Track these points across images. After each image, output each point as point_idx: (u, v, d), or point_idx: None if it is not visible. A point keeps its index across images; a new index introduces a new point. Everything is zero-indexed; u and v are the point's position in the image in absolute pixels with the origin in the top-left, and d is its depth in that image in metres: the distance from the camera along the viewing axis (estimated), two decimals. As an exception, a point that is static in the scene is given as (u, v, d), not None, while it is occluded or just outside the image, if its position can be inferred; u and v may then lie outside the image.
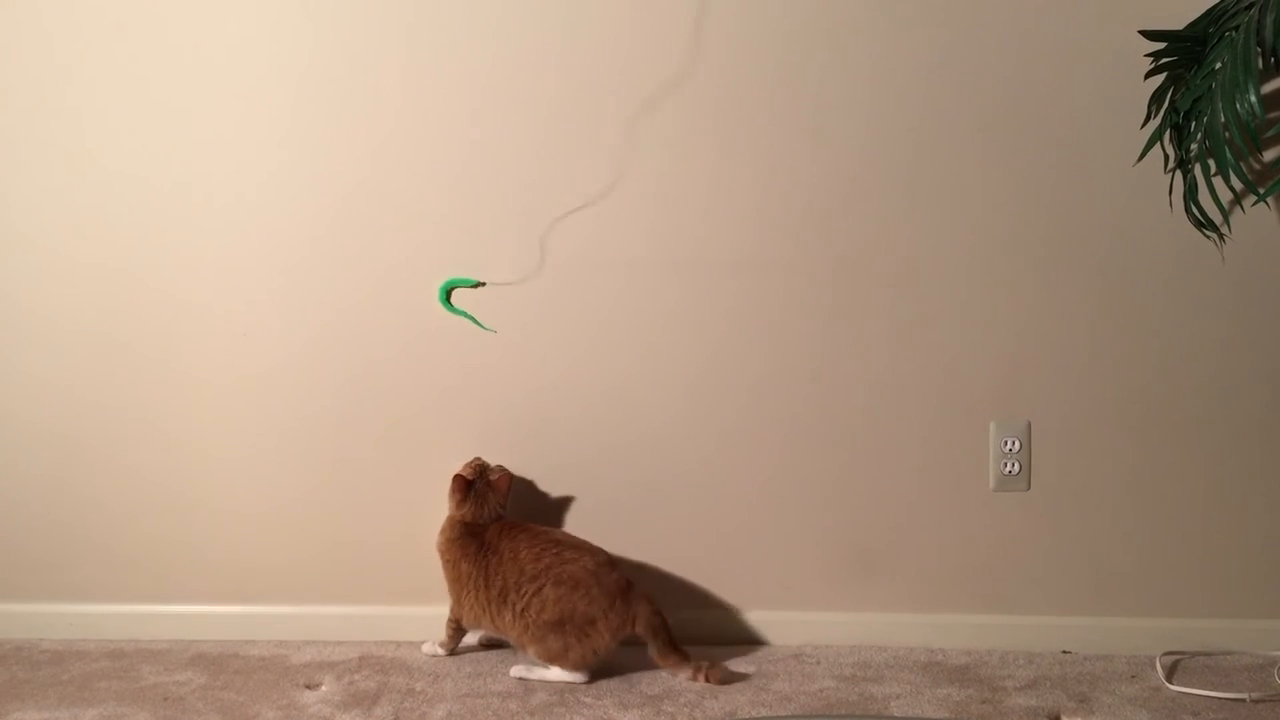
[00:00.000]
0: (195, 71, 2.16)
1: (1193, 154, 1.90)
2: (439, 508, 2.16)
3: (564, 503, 2.22)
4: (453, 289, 2.17)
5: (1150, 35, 1.92)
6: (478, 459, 2.16)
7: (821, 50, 2.10)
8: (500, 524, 2.11)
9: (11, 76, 2.18)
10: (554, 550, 2.04)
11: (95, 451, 2.25)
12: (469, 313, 2.17)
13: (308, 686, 2.03)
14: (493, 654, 2.16)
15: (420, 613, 2.21)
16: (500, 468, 2.15)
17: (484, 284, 2.16)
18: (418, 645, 2.19)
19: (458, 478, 2.11)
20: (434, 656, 2.15)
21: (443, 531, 2.14)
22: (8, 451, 2.26)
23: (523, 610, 2.01)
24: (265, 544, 2.25)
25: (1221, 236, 1.98)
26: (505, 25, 2.12)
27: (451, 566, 2.11)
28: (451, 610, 2.13)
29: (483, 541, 2.09)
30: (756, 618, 2.21)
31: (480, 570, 2.07)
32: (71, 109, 2.18)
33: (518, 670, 2.05)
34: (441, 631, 2.15)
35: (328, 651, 2.18)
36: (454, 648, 2.16)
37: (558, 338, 2.19)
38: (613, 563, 2.06)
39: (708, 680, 1.99)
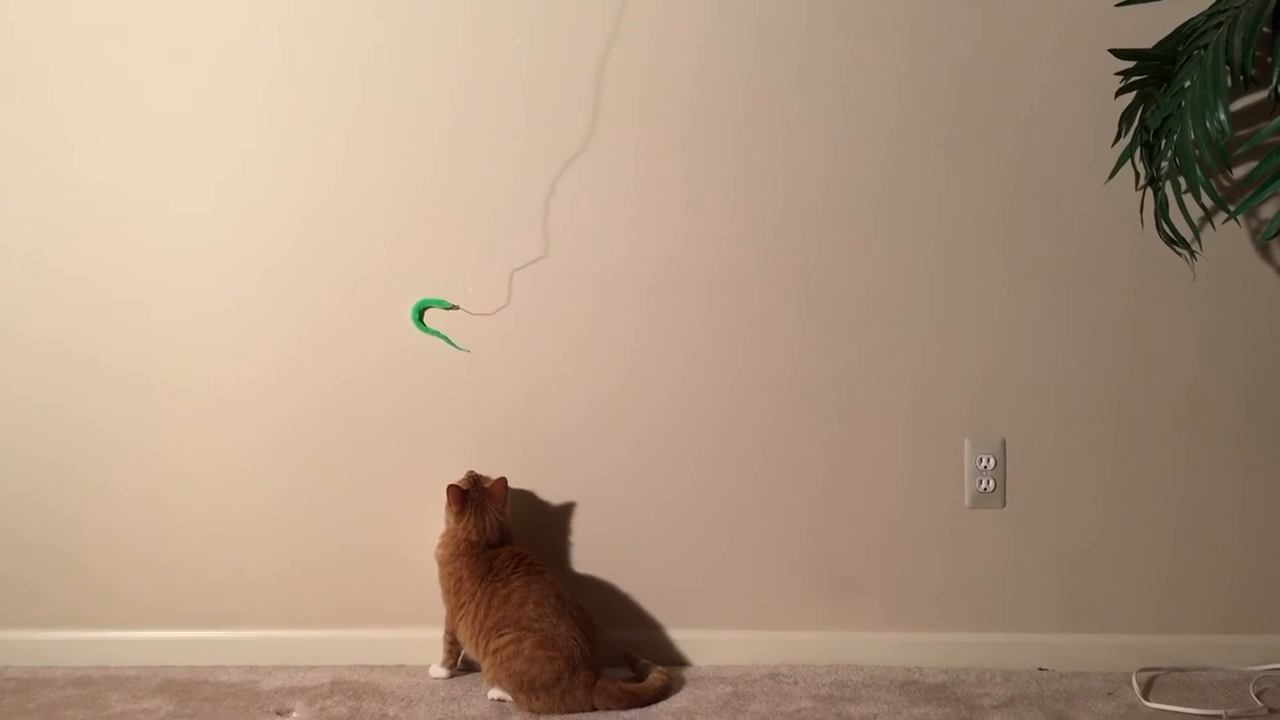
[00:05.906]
0: (170, 89, 2.15)
1: (1163, 172, 1.91)
2: (411, 530, 2.15)
3: (538, 521, 2.20)
4: (425, 309, 2.16)
5: (1120, 54, 1.93)
6: (470, 471, 2.13)
7: (792, 68, 2.10)
8: (517, 554, 2.07)
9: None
10: (555, 614, 1.99)
11: (61, 475, 2.22)
12: (442, 333, 2.16)
13: (278, 713, 2.00)
14: (467, 677, 2.13)
15: (394, 636, 2.20)
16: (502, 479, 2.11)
17: (457, 307, 2.15)
18: (391, 669, 2.17)
19: (453, 488, 2.08)
20: (438, 679, 2.13)
21: (444, 544, 2.10)
22: (-29, 475, 2.23)
23: (495, 650, 1.99)
24: (235, 568, 2.23)
25: (1193, 253, 1.99)
26: (476, 43, 2.12)
27: (454, 580, 2.07)
28: (447, 623, 2.11)
29: (492, 564, 2.05)
30: (732, 637, 2.19)
31: (486, 593, 2.03)
32: (46, 123, 2.17)
33: (495, 693, 2.03)
34: (436, 651, 2.13)
35: (299, 676, 2.15)
36: (455, 663, 2.14)
37: (532, 358, 2.18)
38: (595, 653, 2.01)
39: None
